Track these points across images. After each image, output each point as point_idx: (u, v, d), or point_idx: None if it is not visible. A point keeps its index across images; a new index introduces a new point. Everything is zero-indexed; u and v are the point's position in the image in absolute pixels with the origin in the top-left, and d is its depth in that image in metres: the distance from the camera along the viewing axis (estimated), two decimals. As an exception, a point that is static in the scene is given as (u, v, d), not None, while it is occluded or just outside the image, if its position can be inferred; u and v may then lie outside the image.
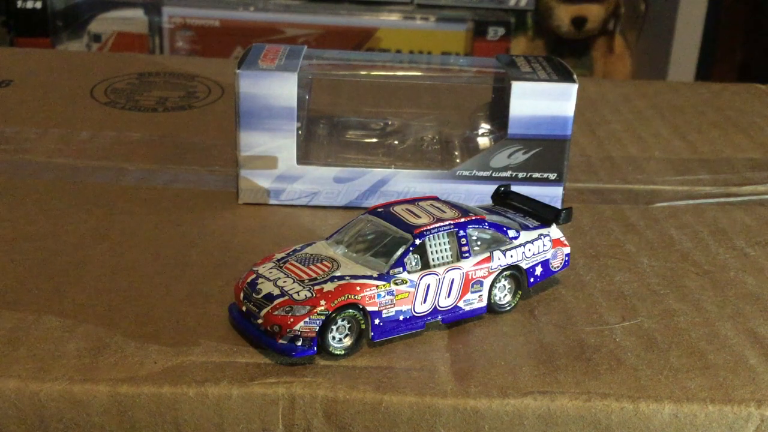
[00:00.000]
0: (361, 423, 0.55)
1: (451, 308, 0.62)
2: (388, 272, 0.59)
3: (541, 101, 0.76)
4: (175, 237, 0.72)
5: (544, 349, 0.60)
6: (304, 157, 0.79)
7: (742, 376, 0.58)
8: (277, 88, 0.75)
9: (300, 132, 0.79)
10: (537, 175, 0.78)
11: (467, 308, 0.62)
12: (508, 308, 0.64)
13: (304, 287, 0.58)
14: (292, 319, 0.56)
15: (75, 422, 0.55)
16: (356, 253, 0.61)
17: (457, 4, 1.73)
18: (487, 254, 0.63)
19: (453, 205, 0.64)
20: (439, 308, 0.61)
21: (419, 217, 0.62)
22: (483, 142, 0.84)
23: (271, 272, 0.60)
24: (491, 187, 0.72)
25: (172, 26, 1.69)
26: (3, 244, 0.70)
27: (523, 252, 0.65)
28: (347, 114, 0.90)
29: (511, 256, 0.64)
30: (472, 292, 0.62)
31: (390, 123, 0.88)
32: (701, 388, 0.57)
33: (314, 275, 0.59)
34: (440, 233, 0.61)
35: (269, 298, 0.58)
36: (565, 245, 0.67)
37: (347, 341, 0.58)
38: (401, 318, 0.60)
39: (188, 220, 0.75)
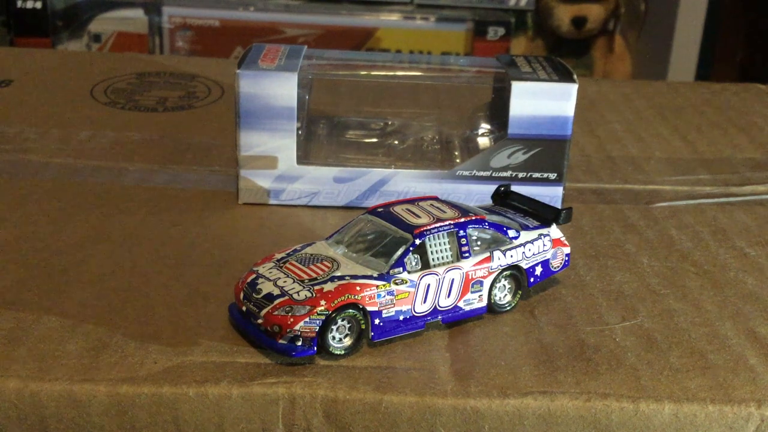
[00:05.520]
0: (361, 423, 0.55)
1: (451, 308, 0.62)
2: (388, 272, 0.59)
3: (541, 101, 0.76)
4: (175, 237, 0.72)
5: (544, 349, 0.60)
6: (304, 157, 0.79)
7: (742, 376, 0.58)
8: (277, 88, 0.75)
9: (300, 132, 0.79)
10: (537, 175, 0.78)
11: (467, 308, 0.62)
12: (508, 308, 0.64)
13: (304, 287, 0.58)
14: (292, 319, 0.56)
15: (75, 422, 0.55)
16: (356, 253, 0.61)
17: (457, 4, 1.73)
18: (487, 254, 0.63)
19: (453, 205, 0.64)
20: (439, 308, 0.61)
21: (419, 217, 0.62)
22: (483, 142, 0.84)
23: (271, 272, 0.60)
24: (491, 187, 0.72)
25: (172, 26, 1.69)
26: (3, 244, 0.70)
27: (523, 252, 0.65)
28: (347, 114, 0.90)
29: (511, 256, 0.64)
30: (472, 292, 0.62)
31: (390, 123, 0.88)
32: (701, 388, 0.57)
33: (314, 275, 0.59)
34: (440, 233, 0.61)
35: (269, 298, 0.58)
36: (565, 245, 0.67)
37: (347, 341, 0.58)
38: (401, 318, 0.59)
39: (188, 220, 0.75)
